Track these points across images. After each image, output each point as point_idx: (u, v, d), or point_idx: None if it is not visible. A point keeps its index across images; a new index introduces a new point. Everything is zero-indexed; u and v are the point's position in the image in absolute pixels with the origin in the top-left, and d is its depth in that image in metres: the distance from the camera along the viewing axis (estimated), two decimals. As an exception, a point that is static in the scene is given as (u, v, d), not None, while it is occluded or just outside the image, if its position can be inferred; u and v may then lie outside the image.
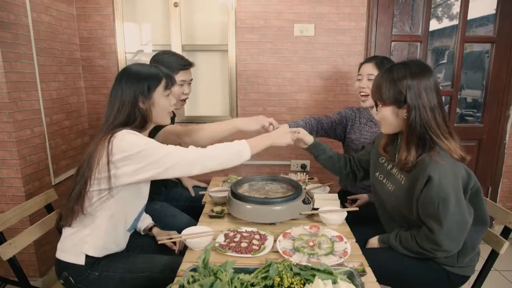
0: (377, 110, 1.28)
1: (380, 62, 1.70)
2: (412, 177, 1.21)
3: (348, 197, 1.82)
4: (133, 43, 2.45)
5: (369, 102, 1.72)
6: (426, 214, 1.17)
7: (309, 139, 1.54)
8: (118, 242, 1.30)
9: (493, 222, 2.58)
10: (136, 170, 1.13)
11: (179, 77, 1.66)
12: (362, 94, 1.76)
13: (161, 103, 1.26)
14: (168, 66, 1.64)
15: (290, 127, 1.57)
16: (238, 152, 1.24)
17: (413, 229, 1.25)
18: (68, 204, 1.19)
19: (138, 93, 1.20)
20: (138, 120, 1.22)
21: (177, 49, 2.39)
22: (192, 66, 1.72)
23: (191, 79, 1.74)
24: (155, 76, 1.24)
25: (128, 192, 1.22)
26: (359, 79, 1.76)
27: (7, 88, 1.74)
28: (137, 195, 1.28)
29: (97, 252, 1.23)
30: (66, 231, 1.25)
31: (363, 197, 1.79)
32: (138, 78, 1.22)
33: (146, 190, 1.32)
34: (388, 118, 1.25)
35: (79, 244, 1.22)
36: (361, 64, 1.79)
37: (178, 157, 1.16)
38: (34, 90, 1.94)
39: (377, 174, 1.41)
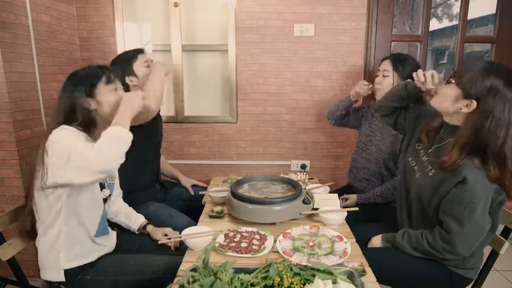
0: (446, 83, 1.19)
1: (396, 58, 1.75)
2: (444, 173, 1.17)
3: (341, 197, 1.84)
4: (133, 43, 2.44)
5: (380, 95, 1.76)
6: (449, 212, 1.15)
7: None
8: (91, 249, 1.27)
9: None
10: (59, 169, 1.07)
11: (141, 59, 1.68)
12: (376, 87, 1.81)
13: (107, 98, 1.21)
14: (125, 58, 1.69)
15: None
16: (117, 137, 1.09)
17: (422, 229, 1.25)
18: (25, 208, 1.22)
19: (79, 95, 1.18)
20: (80, 120, 1.19)
21: (177, 49, 2.39)
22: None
23: (152, 60, 1.76)
24: (94, 73, 1.22)
25: (76, 196, 1.19)
26: (377, 75, 1.82)
27: (7, 88, 1.74)
28: (89, 200, 1.23)
29: (74, 263, 1.23)
30: (39, 248, 1.24)
31: (352, 198, 1.83)
32: (78, 80, 1.21)
33: (94, 193, 1.26)
34: (447, 96, 1.17)
35: (53, 261, 1.22)
36: (381, 60, 1.84)
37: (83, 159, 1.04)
38: (34, 90, 1.93)
39: (410, 159, 1.38)
